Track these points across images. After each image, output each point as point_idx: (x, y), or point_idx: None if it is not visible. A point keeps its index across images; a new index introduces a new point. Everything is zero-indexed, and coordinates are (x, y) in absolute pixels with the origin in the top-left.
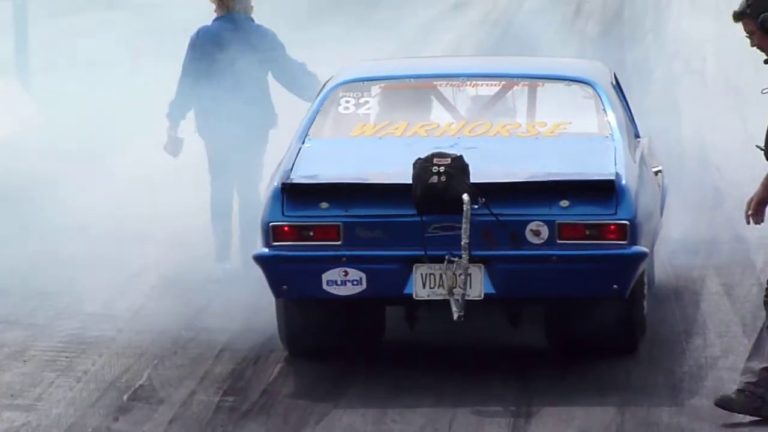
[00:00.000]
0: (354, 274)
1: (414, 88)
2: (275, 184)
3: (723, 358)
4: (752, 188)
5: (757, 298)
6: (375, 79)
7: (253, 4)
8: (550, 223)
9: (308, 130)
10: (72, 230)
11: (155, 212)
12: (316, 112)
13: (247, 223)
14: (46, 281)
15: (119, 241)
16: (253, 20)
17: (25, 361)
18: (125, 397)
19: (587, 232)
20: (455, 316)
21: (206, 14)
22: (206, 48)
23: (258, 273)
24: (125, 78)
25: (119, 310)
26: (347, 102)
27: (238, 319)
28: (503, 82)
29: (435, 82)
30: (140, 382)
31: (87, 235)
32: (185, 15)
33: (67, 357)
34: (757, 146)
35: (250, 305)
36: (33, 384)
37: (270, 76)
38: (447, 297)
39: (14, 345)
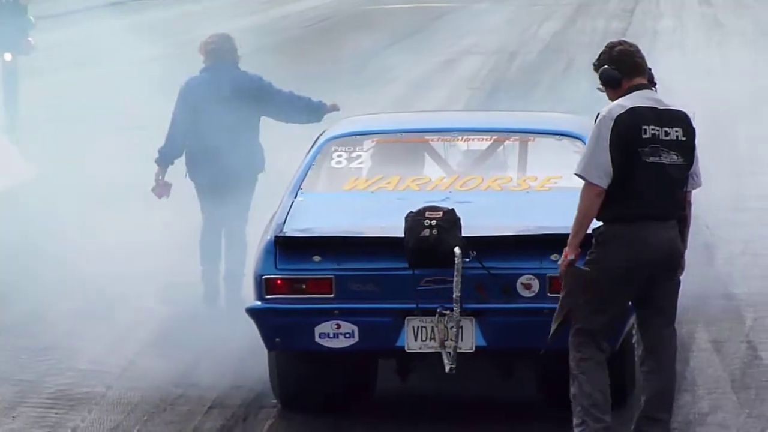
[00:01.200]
0: (346, 327)
1: (406, 143)
2: (268, 237)
3: (712, 415)
4: (741, 246)
5: (746, 354)
6: (367, 134)
7: (240, 53)
8: (541, 277)
9: (301, 184)
10: (62, 287)
11: (144, 270)
12: (309, 166)
13: (232, 263)
14: (36, 337)
15: (109, 298)
16: (238, 68)
17: (14, 417)
18: None
19: None
20: (447, 368)
21: (195, 66)
22: (194, 97)
23: (246, 324)
24: (113, 130)
25: (109, 366)
26: (339, 156)
27: (228, 374)
28: (494, 137)
29: (427, 137)
30: None
31: (77, 292)
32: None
33: (56, 413)
34: None
35: (240, 361)
36: None
37: (264, 119)
38: (439, 350)
39: (3, 401)
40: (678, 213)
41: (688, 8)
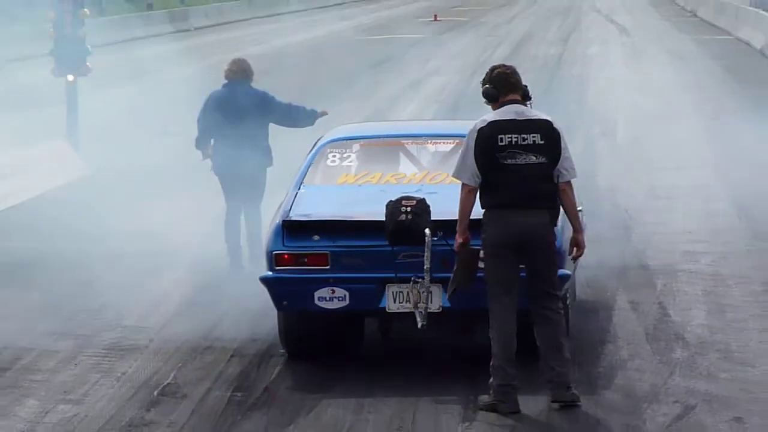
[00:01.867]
0: (339, 292)
1: (386, 146)
2: (277, 221)
3: (630, 361)
4: (653, 227)
5: (657, 313)
6: (355, 139)
7: (254, 73)
8: None
9: (303, 179)
10: (112, 260)
11: (178, 247)
12: (309, 165)
13: (252, 235)
14: (92, 301)
15: (149, 270)
16: (250, 85)
17: (75, 365)
18: (155, 393)
19: None
20: (419, 325)
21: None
22: (215, 107)
23: (260, 290)
24: (153, 135)
25: (151, 324)
26: (333, 156)
27: (245, 330)
28: (456, 141)
29: (402, 141)
30: (167, 381)
31: (124, 264)
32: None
33: (109, 361)
34: None
35: (255, 319)
36: (82, 383)
37: (271, 124)
38: (413, 310)
39: (66, 352)
40: (544, 202)
41: (611, 38)
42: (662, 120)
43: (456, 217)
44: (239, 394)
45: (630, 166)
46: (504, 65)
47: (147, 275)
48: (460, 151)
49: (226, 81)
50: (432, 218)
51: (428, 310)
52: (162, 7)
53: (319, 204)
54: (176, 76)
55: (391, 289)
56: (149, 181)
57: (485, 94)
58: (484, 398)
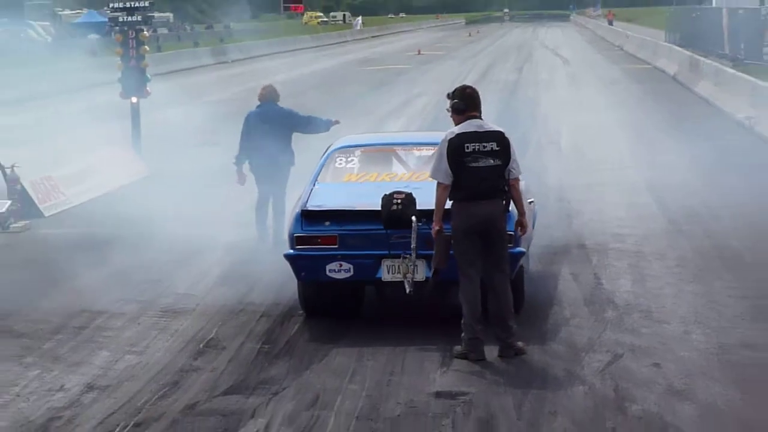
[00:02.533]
0: (345, 265)
1: (381, 152)
2: (297, 210)
3: (571, 319)
4: (590, 215)
5: (593, 282)
6: (357, 146)
7: (280, 95)
8: None
9: (317, 178)
10: (166, 243)
11: (217, 231)
12: (322, 166)
13: (278, 220)
14: (151, 274)
15: (195, 250)
16: (278, 105)
17: (138, 324)
18: (201, 346)
19: None
20: (407, 291)
21: (251, 103)
22: (253, 122)
23: (283, 265)
24: (198, 145)
25: (197, 292)
26: (340, 160)
27: (271, 296)
28: (436, 147)
29: (394, 148)
30: (210, 337)
31: (175, 246)
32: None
33: (164, 321)
34: None
35: (279, 287)
36: (143, 338)
37: (294, 134)
38: (402, 279)
39: (131, 314)
40: (498, 194)
41: (557, 67)
42: (596, 131)
43: (431, 208)
44: (266, 346)
45: (571, 167)
46: (471, 87)
47: (194, 254)
48: (435, 156)
49: (259, 102)
50: (417, 208)
51: (414, 280)
52: (205, 44)
53: (330, 197)
54: (216, 98)
55: (385, 263)
56: (195, 180)
57: (455, 108)
58: (457, 348)
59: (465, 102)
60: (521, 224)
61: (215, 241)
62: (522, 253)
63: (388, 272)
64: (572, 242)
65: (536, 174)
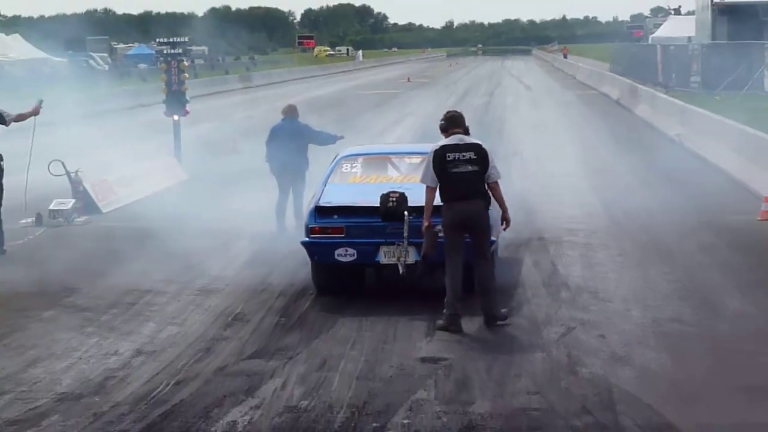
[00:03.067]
0: (351, 251)
1: (379, 159)
2: (312, 206)
3: (532, 299)
4: (550, 213)
5: (550, 269)
6: (360, 155)
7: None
8: None
9: (327, 179)
10: (201, 233)
11: (242, 224)
12: (331, 171)
13: (297, 213)
14: (188, 260)
15: (223, 240)
16: (298, 120)
17: (178, 300)
18: (229, 319)
19: None
20: (401, 272)
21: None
22: (276, 133)
23: (299, 251)
24: (229, 153)
25: (226, 275)
26: (346, 166)
27: (288, 276)
28: (423, 157)
29: (390, 156)
30: (237, 311)
31: (207, 236)
32: (261, 121)
33: (200, 299)
34: None
35: (294, 270)
36: (182, 313)
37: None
38: (396, 262)
39: (171, 293)
40: (478, 195)
41: (521, 93)
42: (553, 145)
43: (423, 204)
44: (283, 319)
45: (533, 174)
46: (455, 111)
47: (224, 243)
48: (424, 164)
49: (282, 117)
50: (409, 205)
51: (406, 263)
52: (234, 72)
53: (338, 195)
54: (243, 115)
55: (382, 249)
56: (226, 182)
57: (441, 127)
58: (439, 322)
59: (448, 122)
60: (505, 219)
61: (242, 232)
62: (494, 242)
63: (385, 256)
64: (533, 236)
65: (504, 179)
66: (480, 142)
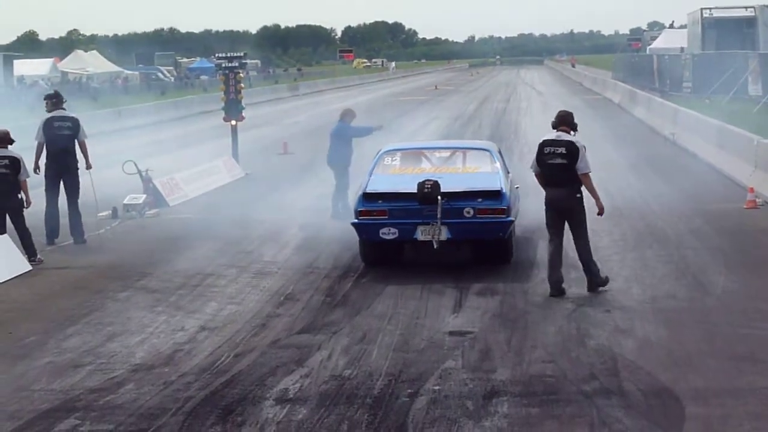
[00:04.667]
0: (393, 229)
1: (415, 154)
2: (360, 192)
3: (541, 279)
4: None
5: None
6: (399, 150)
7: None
8: (474, 208)
9: (373, 170)
10: (257, 223)
11: (295, 213)
12: (376, 163)
13: (344, 198)
14: (246, 246)
15: (278, 228)
16: (345, 123)
17: (237, 282)
18: (281, 298)
19: (490, 211)
20: (435, 246)
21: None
22: (332, 133)
23: (349, 231)
24: (277, 156)
25: (278, 259)
26: (388, 159)
27: (331, 262)
28: (452, 151)
29: (423, 151)
30: (288, 291)
31: (264, 225)
32: (308, 125)
33: (256, 281)
34: None
35: (337, 256)
36: (240, 293)
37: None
38: (431, 239)
39: (231, 275)
40: (566, 183)
41: (533, 98)
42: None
43: (453, 190)
44: (329, 298)
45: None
46: (565, 110)
47: (277, 231)
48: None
49: (339, 119)
50: (442, 190)
51: (440, 239)
52: (283, 82)
53: (382, 184)
54: (292, 120)
55: (419, 228)
56: (277, 179)
57: (552, 124)
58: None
59: (557, 120)
60: (599, 206)
61: (291, 222)
62: (512, 221)
63: (422, 234)
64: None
65: (522, 176)
66: (574, 140)
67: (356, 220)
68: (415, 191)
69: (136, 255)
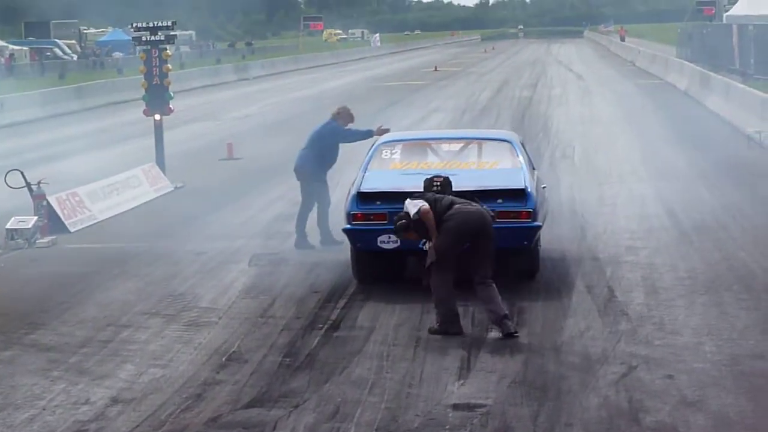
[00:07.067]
0: (394, 237)
1: (419, 145)
2: (353, 192)
3: (586, 332)
4: (603, 227)
5: (607, 295)
6: (399, 141)
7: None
8: (493, 210)
9: (368, 166)
10: (191, 256)
11: (242, 242)
12: (371, 157)
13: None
14: (176, 288)
15: (221, 261)
16: (337, 123)
17: (162, 337)
18: (223, 359)
19: (512, 215)
20: None
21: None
22: (322, 135)
23: (304, 276)
24: (216, 161)
25: (219, 305)
26: (386, 152)
27: (292, 309)
28: (465, 142)
29: (429, 142)
30: (233, 350)
31: (200, 259)
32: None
33: (188, 334)
34: None
35: (300, 301)
36: (167, 351)
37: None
38: None
39: (156, 328)
40: None
41: (570, 82)
42: (608, 144)
43: (466, 188)
44: (288, 359)
45: (584, 180)
46: None
47: (219, 266)
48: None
49: (331, 118)
50: (453, 189)
51: None
52: (227, 61)
53: (379, 181)
54: (238, 114)
55: None
56: (218, 194)
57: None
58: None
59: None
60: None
61: (239, 253)
62: (539, 227)
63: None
64: (586, 255)
65: (550, 186)
66: None
67: (349, 226)
68: (422, 190)
69: (24, 299)
